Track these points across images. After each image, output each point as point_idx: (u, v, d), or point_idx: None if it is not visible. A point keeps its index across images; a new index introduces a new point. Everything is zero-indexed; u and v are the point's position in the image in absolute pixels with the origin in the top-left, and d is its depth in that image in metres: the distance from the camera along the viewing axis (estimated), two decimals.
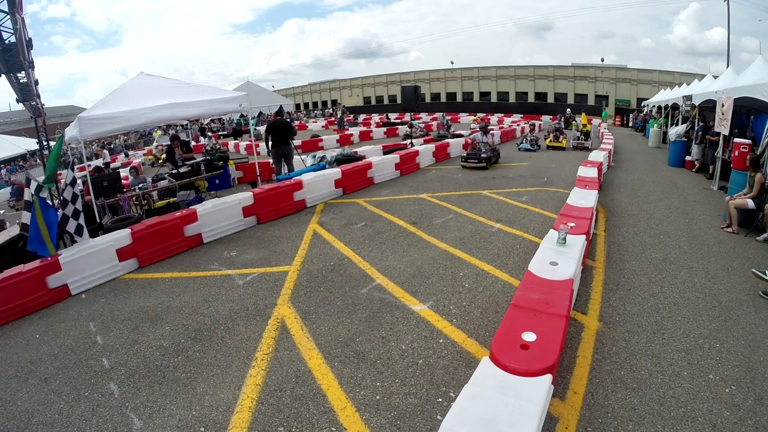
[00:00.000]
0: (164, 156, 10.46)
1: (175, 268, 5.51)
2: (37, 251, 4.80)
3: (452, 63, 42.82)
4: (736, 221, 5.92)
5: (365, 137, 21.57)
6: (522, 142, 15.40)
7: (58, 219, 4.98)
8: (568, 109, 24.87)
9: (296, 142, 11.62)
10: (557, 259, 3.57)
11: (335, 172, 8.94)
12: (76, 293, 4.92)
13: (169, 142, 10.06)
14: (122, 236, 5.40)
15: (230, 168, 10.06)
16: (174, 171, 8.66)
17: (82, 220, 5.15)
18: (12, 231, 6.30)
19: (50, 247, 4.79)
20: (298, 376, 3.17)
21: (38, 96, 10.79)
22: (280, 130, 9.58)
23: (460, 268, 4.90)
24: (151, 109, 6.80)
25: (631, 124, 26.50)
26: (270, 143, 9.49)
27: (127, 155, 22.31)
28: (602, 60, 37.17)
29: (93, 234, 5.55)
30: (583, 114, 17.14)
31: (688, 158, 11.15)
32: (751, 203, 5.81)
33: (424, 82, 43.01)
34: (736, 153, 7.17)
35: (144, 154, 20.13)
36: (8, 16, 9.33)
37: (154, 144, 20.98)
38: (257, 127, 23.33)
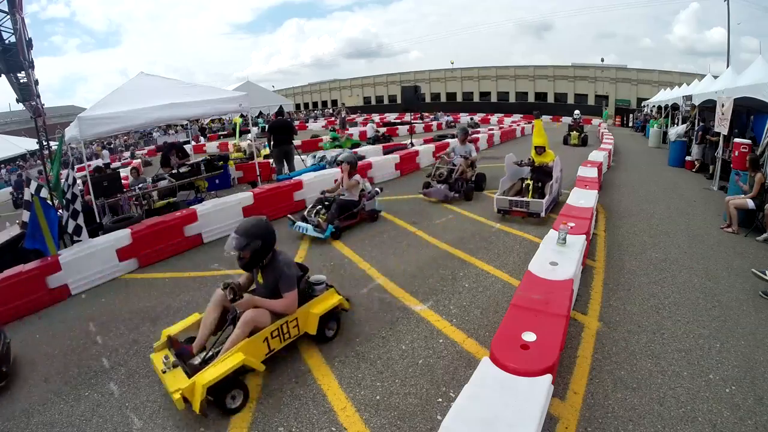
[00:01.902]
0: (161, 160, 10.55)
1: (175, 268, 5.51)
2: (39, 248, 4.80)
3: (452, 63, 42.83)
4: (736, 221, 5.92)
5: (365, 137, 21.52)
6: (304, 218, 6.21)
7: (59, 219, 4.98)
8: (577, 111, 18.69)
9: (296, 141, 11.60)
10: (557, 259, 3.57)
11: (335, 171, 8.93)
12: (76, 293, 4.92)
13: (165, 143, 10.16)
14: (122, 236, 5.41)
15: (230, 168, 10.06)
16: (174, 171, 8.68)
17: (80, 221, 5.15)
18: (12, 231, 6.30)
19: (51, 246, 4.79)
20: (298, 376, 3.17)
21: (38, 96, 10.76)
22: (282, 130, 9.59)
23: (460, 268, 4.90)
24: (151, 109, 6.79)
25: (631, 124, 26.48)
26: (272, 143, 9.52)
27: (133, 155, 20.69)
28: (602, 60, 37.21)
29: (93, 234, 5.55)
30: (537, 122, 7.79)
31: (688, 158, 11.15)
32: (751, 203, 5.81)
33: (424, 82, 42.98)
34: (736, 153, 7.17)
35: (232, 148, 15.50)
36: (8, 16, 9.31)
37: (240, 138, 16.32)
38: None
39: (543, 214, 6.32)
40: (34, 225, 4.73)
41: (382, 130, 20.91)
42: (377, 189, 7.05)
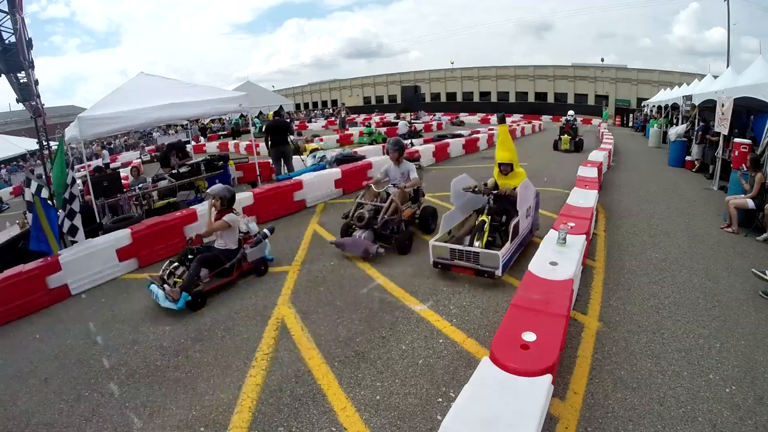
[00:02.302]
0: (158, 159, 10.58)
1: None
2: (42, 250, 4.81)
3: (452, 63, 42.85)
4: (736, 221, 5.91)
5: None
6: (163, 277, 4.40)
7: (57, 219, 4.99)
8: (571, 111, 15.82)
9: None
10: (557, 259, 3.57)
11: (335, 172, 8.94)
12: (76, 293, 4.92)
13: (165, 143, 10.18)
14: (122, 236, 5.41)
15: (230, 168, 10.05)
16: (174, 171, 8.68)
17: (77, 221, 5.14)
18: (12, 231, 6.30)
19: (54, 245, 4.80)
20: (298, 376, 3.17)
21: (38, 96, 10.76)
22: (278, 130, 9.58)
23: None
24: (151, 109, 6.81)
25: (631, 124, 26.50)
26: (269, 143, 9.52)
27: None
28: (602, 60, 37.22)
29: (93, 234, 5.55)
30: (502, 129, 5.41)
31: (688, 158, 11.14)
32: (751, 203, 5.81)
33: (424, 82, 42.97)
34: (736, 153, 7.17)
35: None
36: (8, 16, 9.32)
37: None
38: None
39: (500, 273, 4.20)
40: (37, 227, 4.73)
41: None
42: (267, 230, 5.15)
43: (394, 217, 5.42)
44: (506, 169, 5.12)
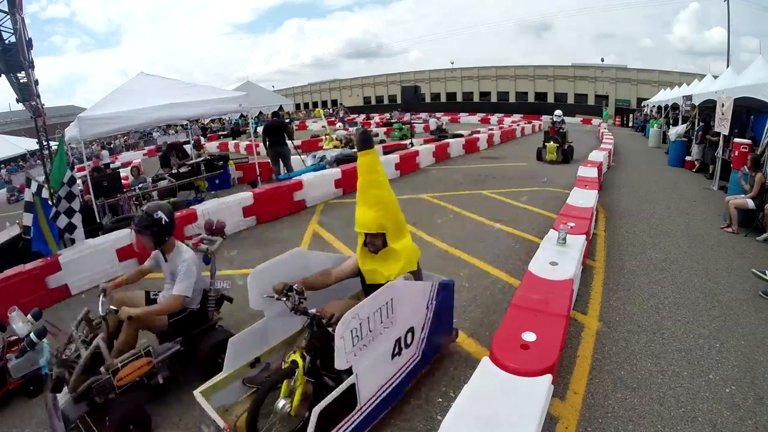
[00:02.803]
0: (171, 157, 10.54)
1: None
2: (41, 251, 4.80)
3: (452, 63, 42.80)
4: (736, 221, 5.92)
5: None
6: None
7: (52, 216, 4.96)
8: (558, 111, 12.86)
9: (296, 141, 11.58)
10: (557, 259, 3.57)
11: (335, 172, 8.94)
12: (76, 293, 4.92)
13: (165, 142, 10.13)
14: (122, 236, 5.41)
15: (230, 168, 10.06)
16: (174, 171, 8.68)
17: (75, 219, 5.11)
18: (12, 231, 6.29)
19: (53, 245, 4.79)
20: None
21: (38, 96, 10.75)
22: (276, 130, 9.57)
23: (460, 268, 4.90)
24: (151, 109, 6.80)
25: (631, 124, 26.51)
26: (267, 144, 9.52)
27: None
28: (602, 60, 37.15)
29: (93, 234, 5.55)
30: (367, 159, 2.68)
31: (688, 158, 11.14)
32: (751, 203, 5.81)
33: (424, 82, 42.92)
34: (736, 153, 7.17)
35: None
36: (8, 16, 9.32)
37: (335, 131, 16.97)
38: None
39: None
40: (37, 227, 4.72)
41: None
42: (33, 334, 3.03)
43: (101, 378, 2.63)
44: (373, 243, 2.74)
